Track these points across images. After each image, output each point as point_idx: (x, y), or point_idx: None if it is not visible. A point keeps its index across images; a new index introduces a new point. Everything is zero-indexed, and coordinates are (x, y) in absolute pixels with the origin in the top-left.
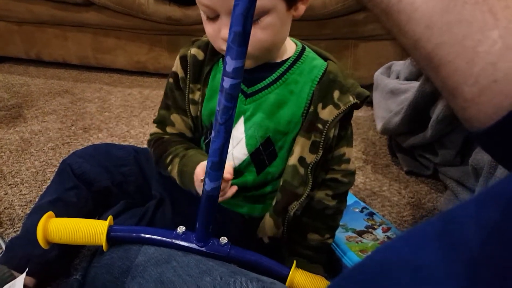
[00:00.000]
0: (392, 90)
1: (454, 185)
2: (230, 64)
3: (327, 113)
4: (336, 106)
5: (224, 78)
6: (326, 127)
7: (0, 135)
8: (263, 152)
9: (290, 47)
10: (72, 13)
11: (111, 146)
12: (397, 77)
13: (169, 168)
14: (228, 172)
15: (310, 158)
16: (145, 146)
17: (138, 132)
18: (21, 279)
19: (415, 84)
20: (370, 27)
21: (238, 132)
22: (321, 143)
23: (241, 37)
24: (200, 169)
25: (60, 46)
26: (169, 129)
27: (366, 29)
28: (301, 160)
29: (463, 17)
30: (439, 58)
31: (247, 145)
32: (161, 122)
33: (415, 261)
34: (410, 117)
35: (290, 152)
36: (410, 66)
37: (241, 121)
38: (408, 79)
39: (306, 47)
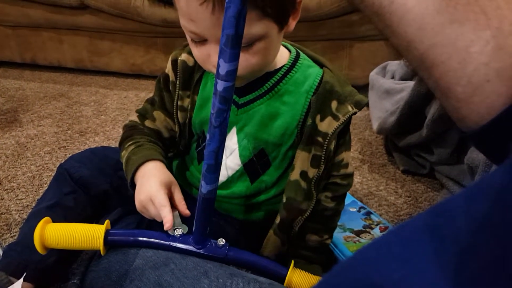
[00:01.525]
0: (388, 90)
1: (450, 184)
2: (224, 67)
3: (326, 125)
4: (335, 118)
5: (218, 81)
6: (327, 140)
7: None
8: (256, 162)
9: (283, 54)
10: (67, 16)
11: (109, 150)
12: (393, 77)
13: (123, 152)
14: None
15: (312, 173)
16: None
17: None
18: (18, 285)
19: (410, 84)
20: (365, 27)
21: (232, 142)
22: (323, 157)
23: (233, 40)
24: (144, 198)
25: (55, 50)
26: (147, 123)
27: (361, 30)
28: (303, 174)
29: (455, 18)
30: (432, 59)
31: (240, 155)
32: (142, 114)
33: (404, 254)
34: (405, 116)
35: (284, 160)
36: (405, 66)
37: (233, 131)
38: (403, 78)
39: (301, 52)
